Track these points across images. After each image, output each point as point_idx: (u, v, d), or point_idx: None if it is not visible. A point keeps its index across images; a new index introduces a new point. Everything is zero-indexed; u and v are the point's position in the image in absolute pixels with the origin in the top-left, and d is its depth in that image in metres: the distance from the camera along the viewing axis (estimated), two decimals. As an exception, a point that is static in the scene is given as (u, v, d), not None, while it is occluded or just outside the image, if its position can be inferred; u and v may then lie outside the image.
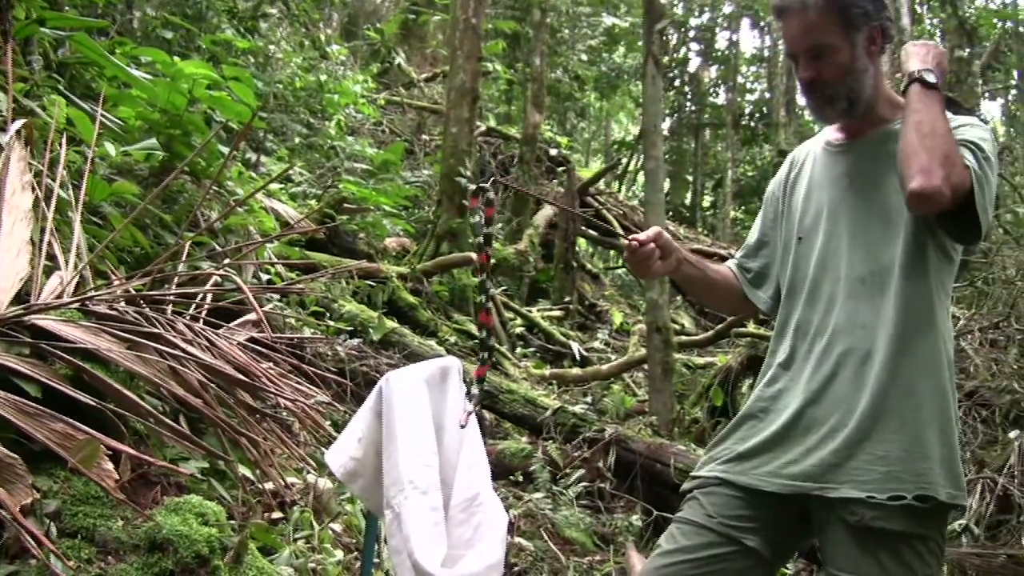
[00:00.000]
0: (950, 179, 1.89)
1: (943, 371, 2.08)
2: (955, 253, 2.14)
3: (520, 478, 5.60)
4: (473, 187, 2.14)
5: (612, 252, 18.22)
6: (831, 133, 2.34)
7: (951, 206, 1.92)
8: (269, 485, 3.33)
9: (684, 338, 10.63)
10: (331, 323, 5.98)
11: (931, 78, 2.04)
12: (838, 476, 2.05)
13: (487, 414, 6.50)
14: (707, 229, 22.05)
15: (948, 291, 2.15)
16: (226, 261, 4.14)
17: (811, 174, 2.34)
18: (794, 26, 2.15)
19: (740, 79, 25.37)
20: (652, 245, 2.23)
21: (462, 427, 2.26)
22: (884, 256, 2.10)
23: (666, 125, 23.27)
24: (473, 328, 8.74)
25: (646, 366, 8.32)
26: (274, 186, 6.84)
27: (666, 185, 20.23)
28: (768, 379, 2.29)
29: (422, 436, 2.35)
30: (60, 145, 3.57)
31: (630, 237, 2.25)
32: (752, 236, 2.54)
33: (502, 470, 5.57)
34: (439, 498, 2.26)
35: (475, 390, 2.21)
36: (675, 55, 23.80)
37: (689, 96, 25.37)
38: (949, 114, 2.05)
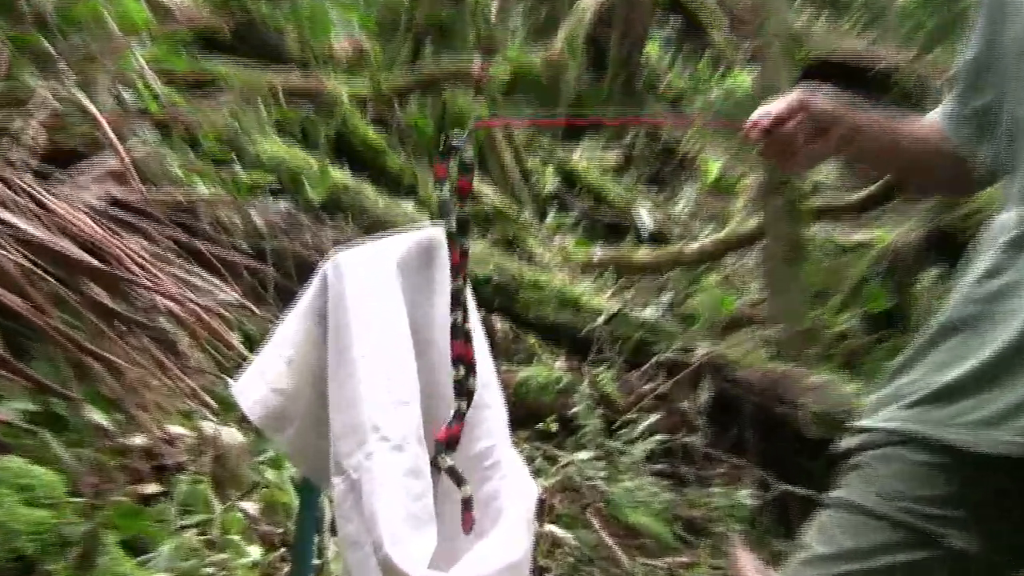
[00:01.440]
0: None
1: None
2: None
3: (553, 428, 5.66)
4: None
5: (701, 65, 17.99)
6: None
7: None
8: (139, 439, 3.33)
9: (822, 202, 10.61)
10: (241, 174, 5.96)
11: None
12: None
13: (499, 324, 6.50)
14: None
15: None
16: (69, 74, 4.10)
17: None
18: None
19: None
20: (790, 124, 2.15)
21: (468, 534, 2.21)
22: None
23: None
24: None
25: (760, 245, 8.33)
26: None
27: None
28: (985, 270, 2.20)
29: (394, 355, 2.31)
30: None
31: (750, 121, 2.19)
32: (966, 56, 2.41)
33: (525, 413, 5.61)
34: (423, 455, 2.22)
35: (446, 461, 2.20)
36: None
37: None
38: None
